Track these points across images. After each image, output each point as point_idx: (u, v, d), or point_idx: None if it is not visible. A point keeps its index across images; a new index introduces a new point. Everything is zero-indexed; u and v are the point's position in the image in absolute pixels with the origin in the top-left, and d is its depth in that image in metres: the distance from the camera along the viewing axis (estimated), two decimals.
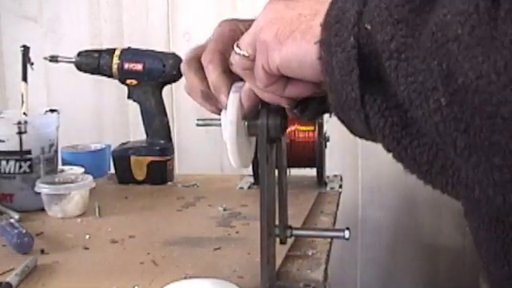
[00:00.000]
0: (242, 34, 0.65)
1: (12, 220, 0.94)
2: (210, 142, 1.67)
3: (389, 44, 0.42)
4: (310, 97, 0.62)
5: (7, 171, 1.05)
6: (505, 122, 0.36)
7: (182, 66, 0.66)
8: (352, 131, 0.49)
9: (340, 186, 1.20)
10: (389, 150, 0.45)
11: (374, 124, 0.45)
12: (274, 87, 0.54)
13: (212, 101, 0.64)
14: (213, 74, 0.63)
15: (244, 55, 0.55)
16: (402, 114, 0.43)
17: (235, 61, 0.56)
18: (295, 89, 0.55)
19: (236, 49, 0.56)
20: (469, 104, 0.38)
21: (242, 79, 0.64)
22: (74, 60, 1.22)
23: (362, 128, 0.46)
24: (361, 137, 0.49)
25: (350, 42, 0.44)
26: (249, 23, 0.67)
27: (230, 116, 0.60)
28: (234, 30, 0.65)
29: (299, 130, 1.15)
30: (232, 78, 0.63)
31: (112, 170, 1.29)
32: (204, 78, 0.64)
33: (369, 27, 0.43)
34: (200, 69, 0.64)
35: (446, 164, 0.42)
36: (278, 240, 0.68)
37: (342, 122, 0.48)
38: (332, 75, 0.46)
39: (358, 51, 0.44)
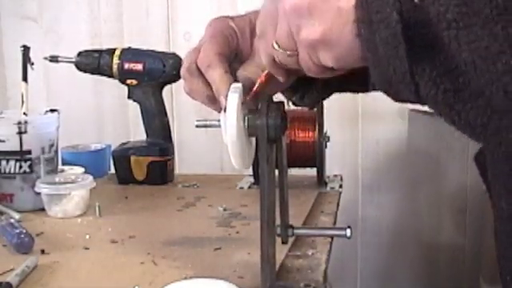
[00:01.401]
0: (235, 32, 0.65)
1: (12, 220, 0.94)
2: (210, 142, 1.67)
3: (444, 14, 0.43)
4: (310, 83, 0.62)
5: (7, 171, 1.05)
6: None
7: (183, 72, 0.65)
8: (398, 100, 0.50)
9: (340, 186, 1.20)
10: (440, 115, 0.47)
11: (424, 92, 0.46)
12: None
13: (218, 103, 0.64)
14: (214, 78, 0.63)
15: (289, 54, 0.54)
16: (454, 80, 0.44)
17: (280, 59, 0.55)
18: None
19: (277, 48, 0.55)
20: None
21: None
22: (74, 60, 1.22)
23: (411, 98, 0.47)
24: (406, 102, 0.51)
25: (393, 17, 0.44)
26: (240, 19, 0.67)
27: (230, 117, 0.60)
28: (227, 28, 0.65)
29: (299, 130, 1.15)
30: (232, 78, 0.63)
31: (112, 170, 1.29)
32: (208, 83, 0.64)
33: (416, 0, 0.44)
34: (202, 74, 0.64)
35: (500, 125, 0.44)
36: (278, 240, 0.68)
37: (388, 94, 0.49)
38: (375, 52, 0.46)
39: (403, 25, 0.44)
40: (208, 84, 0.64)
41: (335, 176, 1.27)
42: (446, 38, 0.43)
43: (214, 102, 0.65)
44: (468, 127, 0.46)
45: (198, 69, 0.64)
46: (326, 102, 1.15)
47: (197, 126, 0.68)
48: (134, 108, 1.27)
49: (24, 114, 1.11)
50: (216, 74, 0.62)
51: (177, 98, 1.66)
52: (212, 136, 1.64)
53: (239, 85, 0.62)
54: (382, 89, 0.49)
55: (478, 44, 0.42)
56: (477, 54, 0.42)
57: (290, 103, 0.70)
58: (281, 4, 0.51)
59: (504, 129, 0.45)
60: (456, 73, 0.44)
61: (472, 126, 0.45)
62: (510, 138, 0.45)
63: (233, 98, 0.60)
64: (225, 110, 0.61)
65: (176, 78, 1.22)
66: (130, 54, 1.22)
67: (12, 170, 1.05)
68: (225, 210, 1.05)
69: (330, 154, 1.24)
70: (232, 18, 0.67)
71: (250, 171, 1.23)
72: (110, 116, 1.74)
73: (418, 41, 0.45)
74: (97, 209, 1.03)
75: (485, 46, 0.42)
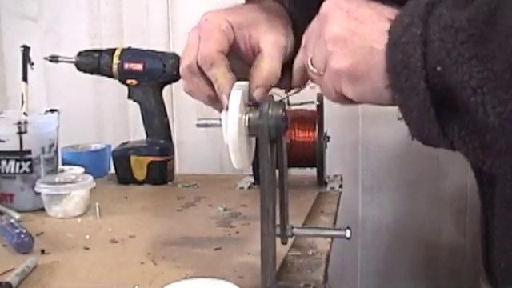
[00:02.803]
0: (232, 27, 0.65)
1: (12, 220, 0.94)
2: (210, 142, 1.67)
3: (468, 82, 0.45)
4: None
5: (7, 171, 1.05)
6: None
7: (183, 71, 0.65)
8: (437, 147, 0.53)
9: (340, 186, 1.20)
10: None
11: (458, 147, 0.49)
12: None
13: (219, 102, 0.63)
14: (218, 76, 0.62)
15: (315, 73, 0.57)
16: (482, 138, 0.47)
17: (309, 74, 0.58)
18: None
19: (311, 67, 0.57)
20: None
21: (242, 79, 0.64)
22: (74, 60, 1.22)
23: (450, 149, 0.50)
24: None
25: (421, 85, 0.47)
26: (236, 13, 0.67)
27: (231, 116, 0.60)
28: (223, 23, 0.65)
29: (299, 130, 1.15)
30: (235, 77, 0.63)
31: (112, 170, 1.29)
32: (210, 82, 0.64)
33: (439, 69, 0.46)
34: (203, 72, 0.64)
35: None
36: (278, 240, 0.68)
37: (427, 145, 0.52)
38: (409, 114, 0.49)
39: (430, 92, 0.47)
40: (209, 83, 0.63)
41: (335, 176, 1.27)
42: (473, 103, 0.45)
43: (215, 100, 0.64)
44: (502, 178, 0.52)
45: (199, 67, 0.64)
46: (326, 102, 1.15)
47: (197, 126, 0.68)
48: (134, 108, 1.27)
49: (24, 113, 1.11)
50: (220, 73, 0.62)
51: (177, 97, 1.66)
52: (212, 136, 1.64)
53: (243, 83, 0.62)
54: (420, 140, 0.52)
55: (502, 108, 0.44)
56: (503, 117, 0.44)
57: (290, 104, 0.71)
58: (324, 28, 0.54)
59: None
60: (483, 131, 0.46)
61: (504, 177, 0.53)
62: None
63: (235, 97, 0.60)
64: (226, 109, 0.61)
65: (176, 77, 1.22)
66: (130, 54, 1.22)
67: (12, 170, 1.05)
68: (225, 209, 1.05)
69: (330, 153, 1.24)
70: (227, 12, 0.66)
71: (250, 171, 1.23)
72: (110, 116, 1.74)
73: (446, 104, 0.47)
74: (97, 209, 1.03)
75: (509, 110, 0.44)
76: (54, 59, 1.23)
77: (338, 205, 1.08)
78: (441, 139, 0.49)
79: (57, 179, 1.06)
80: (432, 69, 0.46)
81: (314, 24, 0.58)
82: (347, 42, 0.52)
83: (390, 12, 0.51)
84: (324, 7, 0.55)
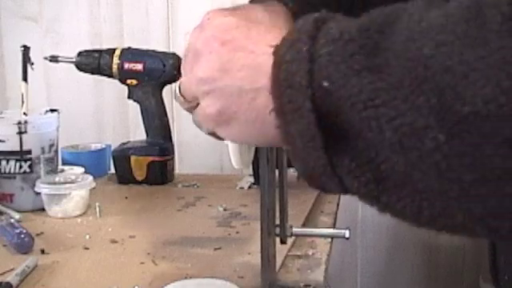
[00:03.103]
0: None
1: (12, 220, 0.94)
2: (210, 142, 1.67)
3: (358, 96, 0.38)
4: None
5: (7, 171, 1.05)
6: None
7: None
8: (328, 193, 0.47)
9: None
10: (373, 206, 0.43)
11: (348, 185, 0.42)
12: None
13: None
14: None
15: (189, 106, 0.53)
16: (375, 169, 0.40)
17: (178, 101, 0.54)
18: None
19: (178, 95, 0.54)
20: (474, 134, 0.35)
21: None
22: (74, 60, 1.22)
23: (338, 190, 0.44)
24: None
25: (305, 107, 0.40)
26: (239, 13, 0.66)
27: None
28: None
29: None
30: None
31: (112, 170, 1.29)
32: None
33: (326, 84, 0.40)
34: None
35: (433, 212, 0.39)
36: (278, 240, 0.68)
37: (315, 187, 0.46)
38: (294, 144, 0.43)
39: (317, 114, 0.40)
40: None
41: None
42: (365, 119, 0.38)
43: None
44: (401, 217, 0.42)
45: None
46: None
47: None
48: (134, 108, 1.27)
49: (24, 113, 1.11)
50: None
51: None
52: None
53: None
54: (306, 181, 0.45)
55: (401, 120, 0.37)
56: (401, 131, 0.37)
57: None
58: (196, 64, 0.50)
59: (439, 215, 0.39)
60: (377, 161, 0.40)
61: (404, 216, 0.41)
62: (450, 223, 0.39)
63: None
64: None
65: (176, 77, 1.21)
66: (129, 54, 1.22)
67: (12, 170, 1.05)
68: (225, 209, 1.05)
69: None
70: (230, 12, 0.66)
71: (250, 171, 1.23)
72: (110, 116, 1.74)
73: (335, 130, 0.41)
74: (97, 209, 1.03)
75: (408, 121, 0.37)
76: (54, 59, 1.23)
77: (337, 205, 1.08)
78: (328, 175, 0.42)
79: (57, 179, 1.06)
80: (318, 86, 0.40)
81: (192, 40, 0.51)
82: (216, 82, 0.47)
83: (275, 36, 0.45)
84: (195, 37, 0.50)
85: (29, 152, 1.05)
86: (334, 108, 0.40)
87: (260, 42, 0.46)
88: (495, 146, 0.34)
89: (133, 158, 1.23)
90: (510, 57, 0.33)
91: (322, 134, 0.41)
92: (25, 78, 1.14)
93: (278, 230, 0.67)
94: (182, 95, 0.54)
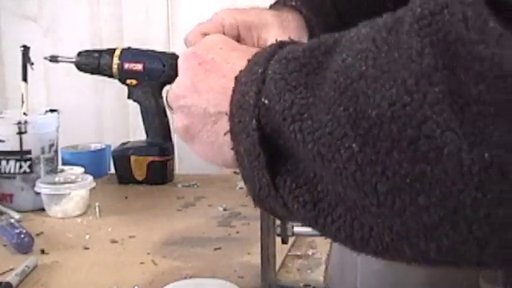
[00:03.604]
0: (238, 28, 0.65)
1: (12, 220, 0.94)
2: None
3: (290, 110, 0.38)
4: None
5: (7, 171, 1.05)
6: (428, 141, 0.32)
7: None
8: (276, 216, 0.47)
9: None
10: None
11: (290, 207, 0.41)
12: None
13: None
14: None
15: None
16: (313, 190, 0.39)
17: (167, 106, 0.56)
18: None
19: (166, 102, 0.56)
20: (384, 139, 0.34)
21: None
22: (74, 60, 1.22)
23: (283, 212, 0.43)
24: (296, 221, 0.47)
25: (252, 125, 0.41)
26: (248, 13, 0.66)
27: None
28: (229, 21, 0.64)
29: None
30: None
31: (112, 170, 1.29)
32: None
33: (266, 102, 0.40)
34: None
35: (364, 234, 0.38)
36: (278, 240, 0.68)
37: (264, 209, 0.45)
38: (243, 164, 0.43)
39: (262, 133, 0.40)
40: None
41: None
42: (292, 133, 0.38)
43: None
44: (337, 241, 0.40)
45: None
46: None
47: None
48: (134, 108, 1.27)
49: (24, 113, 1.11)
50: None
51: None
52: None
53: None
54: (257, 205, 0.45)
55: (322, 132, 0.36)
56: (321, 143, 0.36)
57: None
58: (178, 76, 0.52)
59: (369, 236, 0.37)
60: (315, 181, 0.39)
61: (339, 239, 0.40)
62: (380, 245, 0.37)
63: None
64: None
65: (176, 77, 1.21)
66: (129, 54, 1.22)
67: (12, 170, 1.05)
68: (225, 209, 1.05)
69: None
70: (239, 11, 0.66)
71: None
72: (109, 116, 1.74)
73: (279, 147, 0.40)
74: (97, 209, 1.03)
75: (328, 132, 0.36)
76: (53, 59, 1.23)
77: None
78: (272, 196, 0.41)
79: (57, 179, 1.06)
80: (262, 104, 0.40)
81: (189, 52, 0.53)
82: (187, 99, 0.49)
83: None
84: (183, 54, 0.52)
85: (29, 152, 1.05)
86: (272, 125, 0.40)
87: (236, 66, 0.46)
88: (402, 150, 0.33)
89: (133, 158, 1.23)
90: (415, 55, 0.32)
91: (266, 154, 0.41)
92: (25, 78, 1.14)
93: (278, 230, 0.67)
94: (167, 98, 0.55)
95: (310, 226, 0.41)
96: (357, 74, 0.35)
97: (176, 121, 0.51)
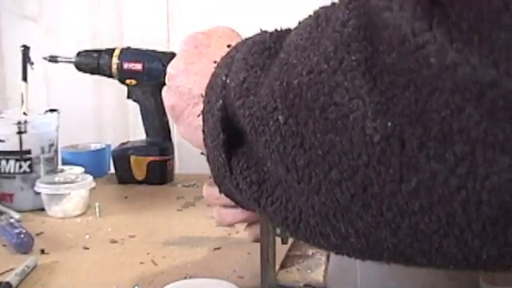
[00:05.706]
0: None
1: (12, 220, 0.94)
2: None
3: (240, 86, 0.39)
4: None
5: (7, 171, 1.05)
6: (337, 108, 0.31)
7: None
8: (232, 199, 0.47)
9: None
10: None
11: (241, 188, 0.41)
12: None
13: None
14: None
15: None
16: (260, 170, 0.39)
17: None
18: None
19: None
20: (302, 109, 0.33)
21: None
22: (73, 60, 1.22)
23: (239, 197, 0.43)
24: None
25: (217, 105, 0.41)
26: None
27: None
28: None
29: None
30: None
31: (112, 170, 1.29)
32: None
33: (228, 81, 0.41)
34: None
35: (295, 218, 0.36)
36: (278, 240, 0.68)
37: (223, 192, 0.46)
38: (206, 144, 0.43)
39: (226, 113, 0.41)
40: None
41: None
42: (238, 109, 0.38)
43: None
44: (276, 225, 0.40)
45: None
46: None
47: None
48: (134, 108, 1.27)
49: (24, 113, 1.11)
50: None
51: None
52: None
53: None
54: (219, 189, 0.45)
55: (258, 106, 0.36)
56: (256, 116, 0.36)
57: None
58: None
59: (300, 220, 0.36)
60: (263, 161, 0.38)
61: (278, 223, 0.38)
62: (309, 231, 0.36)
63: None
64: None
65: None
66: (129, 53, 1.22)
67: (12, 170, 1.05)
68: None
69: None
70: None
71: None
72: (109, 116, 1.74)
73: (238, 130, 0.40)
74: (97, 209, 1.03)
75: (263, 105, 0.36)
76: (53, 59, 1.23)
77: None
78: (227, 177, 0.41)
79: (56, 179, 1.06)
80: (227, 85, 0.41)
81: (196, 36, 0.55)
82: (177, 79, 0.51)
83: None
84: (186, 36, 0.55)
85: (28, 152, 1.05)
86: (230, 104, 0.40)
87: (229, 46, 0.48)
88: (316, 120, 0.32)
89: (133, 158, 1.23)
90: (339, 26, 0.32)
91: (225, 134, 0.41)
92: (25, 78, 1.14)
93: (278, 230, 0.67)
94: None
95: (254, 207, 0.40)
96: (292, 48, 0.36)
97: (165, 99, 0.53)
